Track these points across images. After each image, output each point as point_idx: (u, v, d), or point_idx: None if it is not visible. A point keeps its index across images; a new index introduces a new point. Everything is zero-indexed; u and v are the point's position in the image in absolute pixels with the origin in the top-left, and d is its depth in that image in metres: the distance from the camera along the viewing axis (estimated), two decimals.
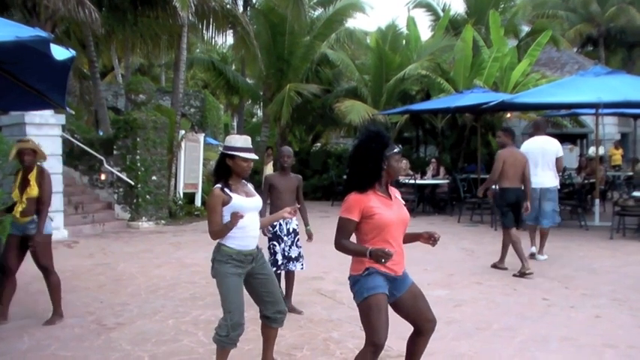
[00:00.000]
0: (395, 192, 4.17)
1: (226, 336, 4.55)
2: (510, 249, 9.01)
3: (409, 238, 4.21)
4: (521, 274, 8.61)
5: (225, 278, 4.59)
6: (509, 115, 20.63)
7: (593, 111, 14.57)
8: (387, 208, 3.99)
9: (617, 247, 11.10)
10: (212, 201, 4.60)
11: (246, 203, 4.65)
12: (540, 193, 9.94)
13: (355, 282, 4.02)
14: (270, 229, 6.84)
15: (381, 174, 4.01)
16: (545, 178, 10.00)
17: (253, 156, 4.67)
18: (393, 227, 3.99)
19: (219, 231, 4.57)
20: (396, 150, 4.02)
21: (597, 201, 14.06)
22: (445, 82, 19.20)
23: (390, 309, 4.03)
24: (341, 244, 3.99)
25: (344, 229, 3.99)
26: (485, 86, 18.27)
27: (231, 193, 4.58)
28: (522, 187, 9.05)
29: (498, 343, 5.83)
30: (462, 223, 14.63)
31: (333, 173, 20.23)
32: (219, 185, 4.62)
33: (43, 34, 4.46)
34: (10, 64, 5.71)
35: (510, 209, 9.04)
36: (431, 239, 4.07)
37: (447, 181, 16.98)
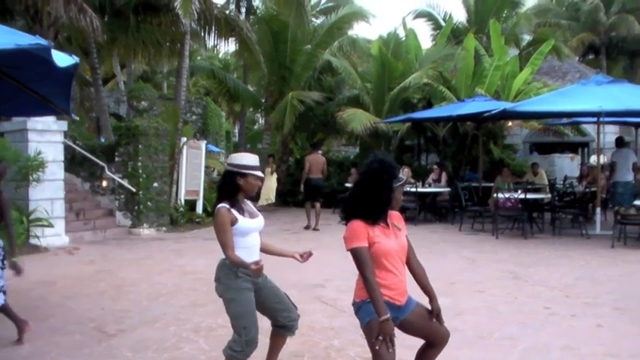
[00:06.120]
0: (394, 219, 4.10)
1: (241, 351, 4.47)
2: None
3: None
4: (307, 228, 14.84)
5: (238, 294, 4.52)
6: (510, 123, 20.64)
7: (594, 119, 14.60)
8: (386, 237, 3.96)
9: (618, 256, 11.09)
10: (220, 221, 4.49)
11: (252, 224, 4.64)
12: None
13: (359, 308, 4.01)
14: None
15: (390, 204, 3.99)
16: None
17: (262, 174, 4.74)
18: (391, 256, 3.95)
19: (235, 263, 4.49)
20: (401, 182, 3.98)
21: (598, 210, 14.05)
22: (447, 90, 19.18)
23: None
24: (369, 283, 3.80)
25: (363, 259, 3.83)
26: (486, 95, 18.26)
27: (237, 215, 4.53)
28: (321, 177, 15.20)
29: (500, 352, 5.82)
30: (463, 231, 14.61)
31: (335, 181, 20.22)
32: (225, 205, 4.52)
33: (43, 42, 4.45)
34: (12, 69, 5.72)
35: (311, 191, 15.00)
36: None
37: (448, 189, 16.97)
